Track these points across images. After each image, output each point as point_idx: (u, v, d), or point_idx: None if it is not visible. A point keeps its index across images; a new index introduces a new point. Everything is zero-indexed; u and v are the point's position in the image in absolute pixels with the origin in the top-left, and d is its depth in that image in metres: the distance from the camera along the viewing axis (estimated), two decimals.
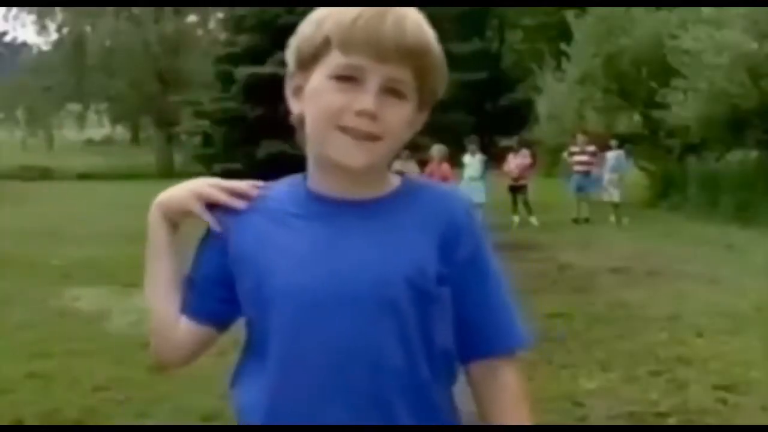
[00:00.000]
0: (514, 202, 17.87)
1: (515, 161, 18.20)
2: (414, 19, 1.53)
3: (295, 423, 1.55)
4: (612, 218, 17.55)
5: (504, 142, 21.11)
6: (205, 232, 1.73)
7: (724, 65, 16.82)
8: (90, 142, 55.52)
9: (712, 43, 16.83)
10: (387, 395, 1.54)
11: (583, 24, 22.46)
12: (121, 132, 57.81)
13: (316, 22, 1.54)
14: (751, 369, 6.40)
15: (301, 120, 1.58)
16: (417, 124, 1.63)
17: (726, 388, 5.90)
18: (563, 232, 16.01)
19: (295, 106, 1.59)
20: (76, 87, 44.86)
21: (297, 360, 1.53)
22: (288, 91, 1.61)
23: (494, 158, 19.60)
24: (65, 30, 45.41)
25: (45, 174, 35.12)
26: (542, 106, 24.87)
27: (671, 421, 5.29)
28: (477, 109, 39.83)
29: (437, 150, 17.11)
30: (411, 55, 1.51)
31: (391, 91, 1.51)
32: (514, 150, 18.70)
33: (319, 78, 1.52)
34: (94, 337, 7.57)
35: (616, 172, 18.12)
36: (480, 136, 19.89)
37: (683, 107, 18.24)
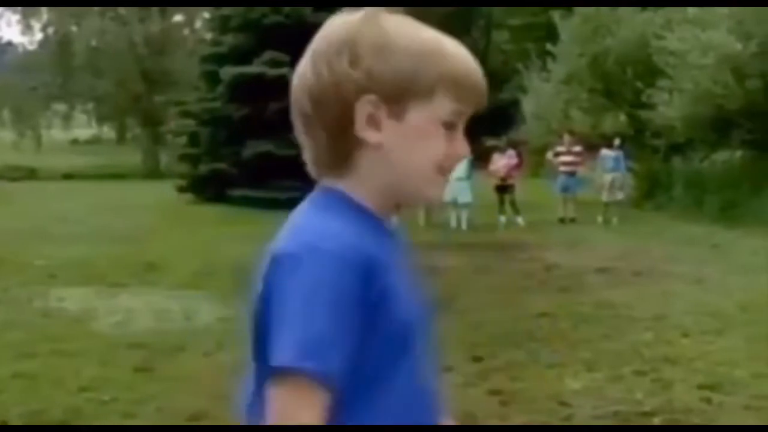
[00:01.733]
0: (501, 203, 17.84)
1: (502, 161, 18.19)
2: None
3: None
4: (600, 218, 17.59)
5: (490, 142, 21.17)
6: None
7: (709, 65, 16.89)
8: (75, 142, 55.32)
9: (697, 43, 16.91)
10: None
11: (569, 24, 22.53)
12: (107, 132, 57.63)
13: (418, 60, 1.49)
14: (736, 368, 6.42)
15: (377, 148, 1.50)
16: None
17: (711, 388, 5.92)
18: (550, 232, 16.05)
19: (372, 135, 1.49)
20: (62, 87, 44.70)
21: (421, 383, 1.55)
22: (361, 118, 1.48)
23: (481, 158, 19.58)
24: (50, 29, 45.24)
25: (31, 174, 34.99)
26: (528, 106, 24.94)
27: (656, 420, 5.30)
28: None
29: None
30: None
31: None
32: (500, 150, 18.69)
33: (424, 120, 1.50)
34: (79, 337, 7.54)
35: (618, 172, 18.08)
36: (466, 136, 19.90)
37: (669, 107, 18.31)
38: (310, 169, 1.57)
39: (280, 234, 1.48)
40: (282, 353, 1.37)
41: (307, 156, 1.57)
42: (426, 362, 1.56)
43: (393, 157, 1.49)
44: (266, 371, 1.41)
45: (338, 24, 1.52)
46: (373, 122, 1.48)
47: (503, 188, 17.89)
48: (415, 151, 1.50)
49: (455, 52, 1.52)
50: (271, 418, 1.39)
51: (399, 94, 1.48)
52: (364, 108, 1.47)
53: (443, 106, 1.49)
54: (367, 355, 1.44)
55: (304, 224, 1.48)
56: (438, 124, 1.50)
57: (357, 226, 1.48)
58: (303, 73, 1.52)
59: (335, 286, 1.39)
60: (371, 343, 1.44)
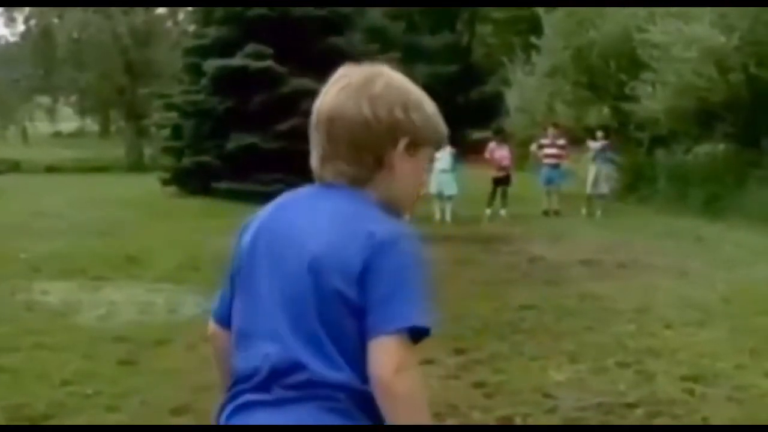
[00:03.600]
0: (493, 196, 17.78)
1: (500, 152, 18.11)
2: None
3: None
4: (583, 211, 17.63)
5: (475, 134, 21.17)
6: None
7: (692, 59, 16.94)
8: (59, 134, 55.01)
9: (680, 36, 16.95)
10: None
11: (553, 17, 22.54)
12: (91, 125, 57.32)
13: (431, 121, 2.06)
14: (719, 360, 6.47)
15: (392, 174, 2.00)
16: None
17: (694, 379, 5.96)
18: (534, 225, 16.08)
19: (398, 166, 2.01)
20: (45, 79, 44.42)
21: None
22: (399, 154, 1.99)
23: (466, 151, 19.57)
24: (33, 22, 44.93)
25: (14, 167, 34.79)
26: (512, 99, 24.96)
27: (639, 411, 5.33)
28: (447, 102, 39.72)
29: None
30: None
31: None
32: (497, 141, 18.62)
33: (422, 160, 2.06)
34: (62, 330, 7.51)
35: (602, 165, 18.07)
36: (450, 129, 19.86)
37: (652, 100, 18.35)
38: (328, 177, 1.98)
39: (346, 218, 1.90)
40: (415, 316, 1.84)
41: (333, 170, 1.97)
42: None
43: (399, 182, 2.02)
44: (379, 329, 1.81)
45: (391, 77, 2.01)
46: (402, 158, 1.99)
47: (501, 180, 17.83)
48: (412, 180, 2.07)
49: (439, 117, 2.09)
50: (392, 367, 1.78)
51: (422, 138, 2.03)
52: (401, 147, 1.98)
53: (430, 151, 2.09)
54: None
55: (372, 214, 1.93)
56: (422, 164, 2.07)
57: None
58: (358, 110, 1.95)
59: (424, 263, 1.93)
60: None
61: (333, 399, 1.81)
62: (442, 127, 2.10)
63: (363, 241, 1.83)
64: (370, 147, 1.95)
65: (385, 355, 1.78)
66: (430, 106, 2.05)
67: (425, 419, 1.80)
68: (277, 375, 1.84)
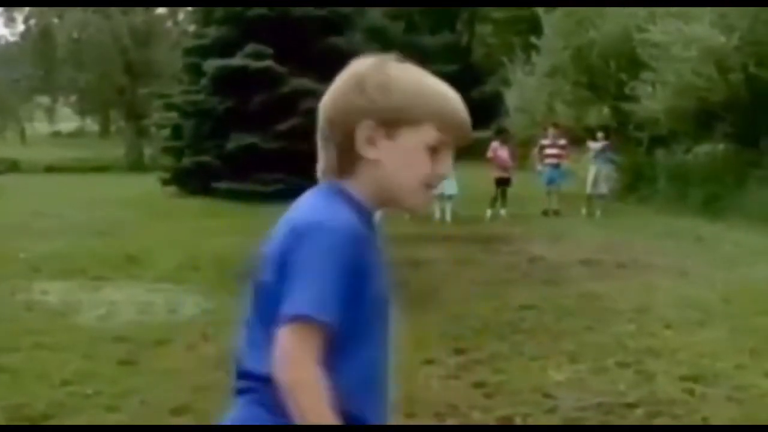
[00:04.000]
0: (495, 197, 17.76)
1: (503, 152, 18.09)
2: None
3: (372, 407, 1.94)
4: (583, 211, 17.62)
5: (475, 134, 21.16)
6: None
7: (692, 58, 16.93)
8: (58, 134, 55.01)
9: (680, 36, 16.95)
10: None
11: (553, 17, 22.53)
12: (91, 125, 57.31)
13: (410, 97, 1.92)
14: (719, 360, 6.46)
15: (376, 164, 1.92)
16: None
17: (693, 379, 5.95)
18: (533, 225, 16.07)
19: (370, 151, 1.92)
20: (45, 79, 44.44)
21: (384, 345, 1.97)
22: (362, 139, 1.92)
23: (468, 151, 19.54)
24: (32, 21, 44.94)
25: (13, 167, 34.79)
26: (512, 99, 24.93)
27: (639, 411, 5.33)
28: None
29: None
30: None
31: None
32: (500, 140, 18.60)
33: (412, 143, 1.92)
34: (62, 330, 7.51)
35: (602, 165, 18.07)
36: None
37: (652, 100, 18.35)
38: (320, 176, 1.98)
39: (291, 212, 1.90)
40: (300, 304, 1.79)
41: (320, 166, 1.98)
42: (387, 338, 1.98)
43: (388, 171, 1.93)
44: (278, 319, 1.80)
45: (355, 65, 1.95)
46: (371, 142, 1.91)
47: (503, 181, 17.81)
48: (404, 168, 1.93)
49: (447, 95, 1.97)
50: (278, 356, 1.79)
51: (392, 121, 1.90)
52: (363, 130, 1.91)
53: (429, 134, 1.92)
54: (352, 315, 1.84)
55: (315, 205, 1.89)
56: (423, 147, 1.92)
57: (352, 212, 1.89)
58: (325, 101, 1.96)
59: (341, 253, 1.82)
60: (356, 306, 1.85)
61: (259, 391, 1.87)
62: (437, 103, 1.94)
63: (285, 232, 1.85)
64: (334, 136, 1.93)
65: (276, 346, 1.78)
66: (409, 83, 1.93)
67: (316, 414, 1.77)
68: (235, 370, 1.96)
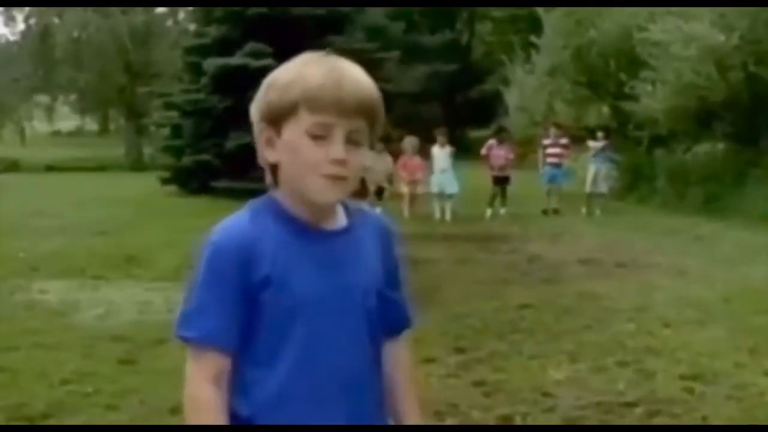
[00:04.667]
0: (494, 195, 17.76)
1: (497, 151, 18.09)
2: (363, 77, 1.89)
3: (302, 420, 1.86)
4: (583, 210, 17.62)
5: (475, 133, 21.15)
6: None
7: (691, 57, 16.93)
8: (58, 133, 55.00)
9: (680, 35, 16.94)
10: (369, 384, 1.96)
11: (553, 16, 22.53)
12: (90, 124, 57.30)
13: (283, 88, 1.86)
14: (718, 359, 6.46)
15: (276, 166, 1.90)
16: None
17: (693, 378, 5.95)
18: (533, 224, 16.07)
19: (270, 155, 1.90)
20: (44, 78, 44.41)
21: (311, 358, 1.87)
22: (260, 143, 1.92)
23: (465, 150, 19.58)
24: (32, 21, 44.90)
25: (13, 166, 34.76)
26: (512, 98, 24.92)
27: (638, 410, 5.33)
28: (447, 100, 39.88)
29: (409, 142, 17.19)
30: (366, 110, 1.87)
31: (352, 140, 1.86)
32: (498, 140, 18.61)
33: (293, 134, 1.85)
34: (61, 330, 7.51)
35: (602, 164, 18.07)
36: (450, 128, 19.90)
37: (652, 99, 18.34)
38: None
39: None
40: (177, 322, 1.87)
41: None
42: (329, 343, 1.89)
43: (286, 170, 1.89)
44: None
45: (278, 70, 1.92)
46: (271, 144, 1.90)
47: (501, 179, 17.81)
48: (294, 162, 1.87)
49: (312, 74, 1.85)
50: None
51: (275, 118, 1.87)
52: (261, 134, 1.91)
53: (305, 120, 1.84)
54: (258, 331, 1.85)
55: (223, 222, 1.91)
56: (303, 136, 1.84)
57: (259, 224, 1.88)
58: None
59: (214, 270, 1.85)
60: (261, 320, 1.85)
61: None
62: (303, 86, 1.83)
63: None
64: (258, 147, 1.93)
65: None
66: (285, 75, 1.87)
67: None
68: None
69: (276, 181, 1.93)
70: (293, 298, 1.85)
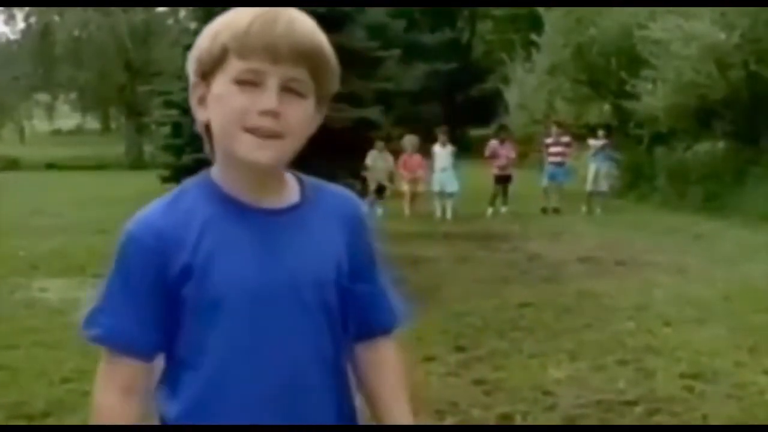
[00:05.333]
0: (495, 194, 17.75)
1: (500, 150, 18.11)
2: (303, 20, 1.65)
3: (230, 417, 1.64)
4: (584, 209, 17.61)
5: (475, 132, 21.12)
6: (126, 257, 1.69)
7: (692, 56, 16.92)
8: (58, 132, 54.99)
9: (680, 33, 16.93)
10: (319, 385, 1.70)
11: (553, 15, 22.51)
12: (91, 122, 57.27)
13: (214, 34, 1.63)
14: (718, 357, 6.46)
15: (207, 127, 1.67)
16: (317, 121, 1.72)
17: (693, 377, 5.95)
18: (534, 223, 16.06)
19: (201, 114, 1.67)
20: (45, 77, 44.39)
21: (240, 355, 1.63)
22: (193, 101, 1.69)
23: (468, 149, 19.56)
24: (33, 19, 44.87)
25: (13, 165, 34.76)
26: (512, 97, 24.92)
27: (638, 409, 5.33)
28: (447, 99, 39.85)
29: (409, 141, 17.19)
30: (304, 55, 1.61)
31: (290, 90, 1.60)
32: (499, 140, 18.62)
33: (221, 84, 1.61)
34: (61, 328, 7.49)
35: (602, 163, 18.07)
36: (450, 127, 19.89)
37: (652, 97, 18.33)
38: None
39: None
40: (83, 322, 1.72)
41: None
42: (264, 345, 1.64)
43: (214, 129, 1.65)
44: None
45: None
46: (203, 102, 1.66)
47: (503, 178, 17.81)
48: (217, 115, 1.62)
49: (242, 16, 1.61)
50: None
51: (206, 70, 1.63)
52: (194, 92, 1.68)
53: (233, 67, 1.59)
54: (181, 328, 1.64)
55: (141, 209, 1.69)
56: (230, 84, 1.59)
57: (182, 208, 1.65)
58: None
59: (125, 263, 1.65)
60: (183, 317, 1.63)
61: None
62: (232, 28, 1.60)
63: None
64: (192, 109, 1.73)
65: None
66: (215, 22, 1.66)
67: None
68: None
69: (212, 150, 1.71)
70: (216, 290, 1.60)
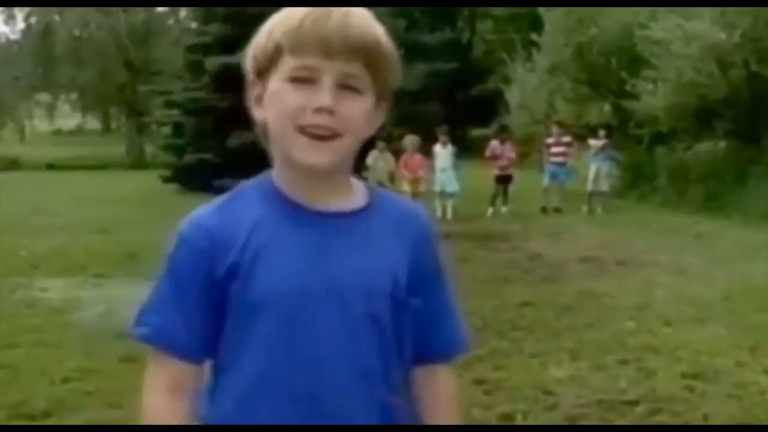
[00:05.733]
0: (496, 194, 17.76)
1: (501, 150, 18.11)
2: (359, 14, 1.58)
3: (270, 420, 1.59)
4: (584, 208, 17.61)
5: (476, 132, 21.13)
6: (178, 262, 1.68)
7: (692, 55, 16.92)
8: (59, 132, 55.00)
9: (681, 33, 16.92)
10: (358, 396, 1.62)
11: (554, 15, 22.50)
12: (91, 122, 57.28)
13: (268, 31, 1.60)
14: (719, 357, 6.46)
15: (265, 127, 1.63)
16: (378, 119, 1.67)
17: (693, 376, 5.96)
18: (534, 222, 16.06)
19: (258, 113, 1.64)
20: (45, 77, 44.40)
21: (276, 359, 1.58)
22: (250, 101, 1.66)
23: (468, 148, 19.55)
24: (33, 19, 44.87)
25: (13, 164, 34.75)
26: (512, 97, 24.91)
27: (639, 408, 5.33)
28: (448, 99, 39.82)
29: (410, 141, 17.17)
30: (358, 48, 1.55)
31: (346, 87, 1.56)
32: (500, 140, 18.63)
33: (276, 83, 1.58)
34: (62, 327, 7.52)
35: (603, 163, 18.07)
36: (451, 127, 19.89)
37: (653, 97, 18.32)
38: None
39: None
40: (134, 325, 1.67)
41: None
42: (306, 347, 1.59)
43: (271, 129, 1.61)
44: None
45: None
46: (259, 101, 1.64)
47: (504, 178, 17.83)
48: (272, 115, 1.59)
49: (296, 11, 1.57)
50: None
51: (261, 68, 1.61)
52: (251, 92, 1.66)
53: (287, 65, 1.56)
54: (225, 329, 1.61)
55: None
56: (284, 82, 1.56)
57: (236, 208, 1.63)
58: None
59: (174, 263, 1.64)
60: (228, 317, 1.60)
61: None
62: (284, 25, 1.58)
63: None
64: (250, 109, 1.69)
65: None
66: (269, 21, 1.63)
67: None
68: None
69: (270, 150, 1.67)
70: (258, 290, 1.57)
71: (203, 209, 1.66)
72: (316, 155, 1.55)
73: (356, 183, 1.70)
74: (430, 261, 1.73)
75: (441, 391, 1.84)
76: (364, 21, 1.58)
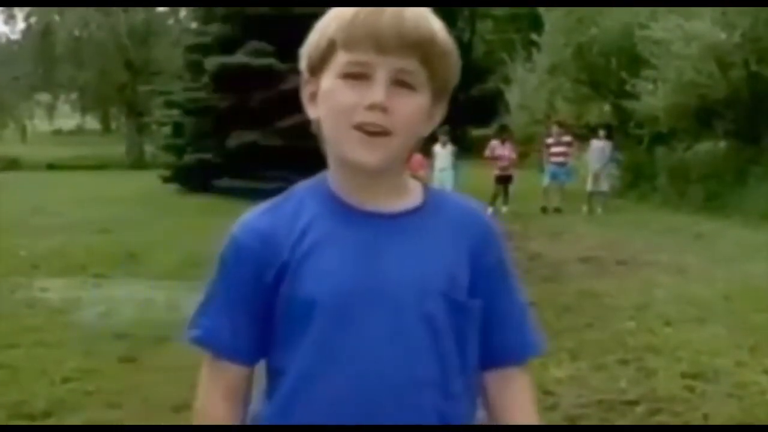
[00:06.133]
0: (496, 194, 17.77)
1: (501, 151, 18.14)
2: (415, 10, 1.54)
3: (310, 422, 1.57)
4: (585, 208, 17.61)
5: (476, 132, 21.12)
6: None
7: (693, 55, 16.92)
8: (59, 132, 55.01)
9: (681, 33, 16.92)
10: (419, 406, 1.57)
11: (554, 15, 22.50)
12: (91, 122, 57.28)
13: (322, 28, 1.58)
14: (719, 357, 6.46)
15: (319, 125, 1.59)
16: (436, 117, 1.64)
17: (694, 376, 5.96)
18: (534, 222, 16.07)
19: (312, 111, 1.61)
20: (45, 77, 44.39)
21: (325, 360, 1.55)
22: (304, 99, 1.63)
23: (468, 148, 19.53)
24: (33, 19, 44.87)
25: (13, 164, 34.75)
26: (513, 97, 24.92)
27: (639, 408, 5.33)
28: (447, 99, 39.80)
29: None
30: (413, 43, 1.52)
31: (401, 83, 1.52)
32: (500, 140, 18.65)
33: (329, 80, 1.54)
34: (62, 327, 7.52)
35: (603, 163, 18.09)
36: (451, 127, 19.88)
37: (653, 97, 18.33)
38: None
39: None
40: (189, 328, 1.67)
41: None
42: (358, 350, 1.55)
43: (324, 127, 1.58)
44: None
45: None
46: (313, 99, 1.60)
47: (505, 178, 17.85)
48: (325, 112, 1.56)
49: (347, 9, 1.54)
50: None
51: (315, 65, 1.58)
52: (305, 89, 1.62)
53: (340, 61, 1.53)
54: (275, 332, 1.59)
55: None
56: (337, 79, 1.53)
57: (288, 208, 1.60)
58: None
59: (225, 266, 1.62)
60: (278, 319, 1.58)
61: None
62: (338, 20, 1.55)
63: None
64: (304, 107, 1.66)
65: None
66: (332, 11, 1.59)
67: None
68: None
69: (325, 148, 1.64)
70: (306, 289, 1.54)
71: (254, 210, 1.63)
72: (367, 154, 1.52)
73: (412, 183, 1.66)
74: (494, 262, 1.70)
75: (517, 397, 1.79)
76: (420, 16, 1.54)
